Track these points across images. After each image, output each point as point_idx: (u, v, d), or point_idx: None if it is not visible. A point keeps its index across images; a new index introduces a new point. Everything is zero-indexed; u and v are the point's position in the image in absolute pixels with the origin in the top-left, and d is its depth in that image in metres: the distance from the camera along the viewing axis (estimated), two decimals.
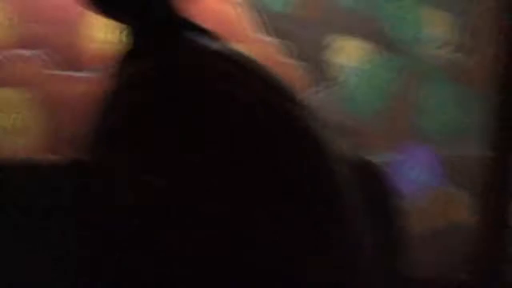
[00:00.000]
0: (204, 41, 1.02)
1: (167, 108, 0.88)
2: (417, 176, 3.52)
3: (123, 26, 1.06)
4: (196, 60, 0.96)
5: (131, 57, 1.04)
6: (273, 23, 3.43)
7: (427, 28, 3.62)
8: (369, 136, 3.49)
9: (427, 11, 3.62)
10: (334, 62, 3.51)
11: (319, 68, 3.47)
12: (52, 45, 3.24)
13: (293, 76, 3.42)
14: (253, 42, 3.39)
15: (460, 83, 3.60)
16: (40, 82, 3.17)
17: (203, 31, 1.05)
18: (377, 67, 3.53)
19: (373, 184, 1.82)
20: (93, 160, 0.95)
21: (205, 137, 0.88)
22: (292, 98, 1.03)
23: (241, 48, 3.33)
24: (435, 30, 3.62)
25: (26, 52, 3.21)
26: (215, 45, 1.02)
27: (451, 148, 3.56)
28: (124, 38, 1.04)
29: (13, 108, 3.09)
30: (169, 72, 0.93)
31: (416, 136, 3.52)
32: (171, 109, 0.89)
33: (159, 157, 0.87)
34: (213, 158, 0.88)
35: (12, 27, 3.25)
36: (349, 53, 3.53)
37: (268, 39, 3.42)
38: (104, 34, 3.29)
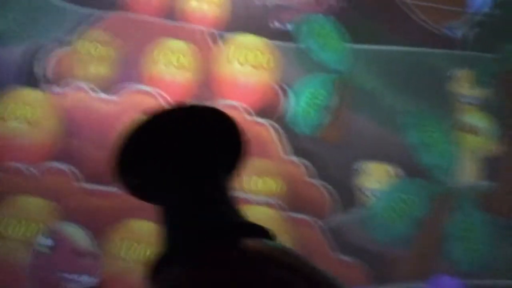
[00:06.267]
0: (260, 245, 0.96)
1: None
2: None
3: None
4: (249, 269, 0.91)
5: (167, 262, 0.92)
6: (302, 145, 3.49)
7: (457, 157, 3.63)
8: (394, 263, 3.42)
9: (458, 139, 3.65)
10: (361, 186, 3.51)
11: (346, 191, 3.48)
12: (83, 160, 3.32)
13: (318, 197, 3.42)
14: (282, 162, 3.46)
15: (489, 212, 3.54)
16: (69, 195, 3.24)
17: (258, 232, 0.99)
18: (405, 193, 3.51)
19: None
20: None
21: None
22: None
23: (271, 166, 3.37)
24: (465, 159, 3.63)
25: (60, 165, 3.29)
26: (268, 251, 0.96)
27: (480, 278, 3.45)
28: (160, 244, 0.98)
29: (40, 217, 3.16)
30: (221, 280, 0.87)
31: (444, 265, 3.44)
32: None
33: None
34: None
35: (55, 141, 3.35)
36: (376, 178, 3.53)
37: (296, 160, 3.47)
38: None
